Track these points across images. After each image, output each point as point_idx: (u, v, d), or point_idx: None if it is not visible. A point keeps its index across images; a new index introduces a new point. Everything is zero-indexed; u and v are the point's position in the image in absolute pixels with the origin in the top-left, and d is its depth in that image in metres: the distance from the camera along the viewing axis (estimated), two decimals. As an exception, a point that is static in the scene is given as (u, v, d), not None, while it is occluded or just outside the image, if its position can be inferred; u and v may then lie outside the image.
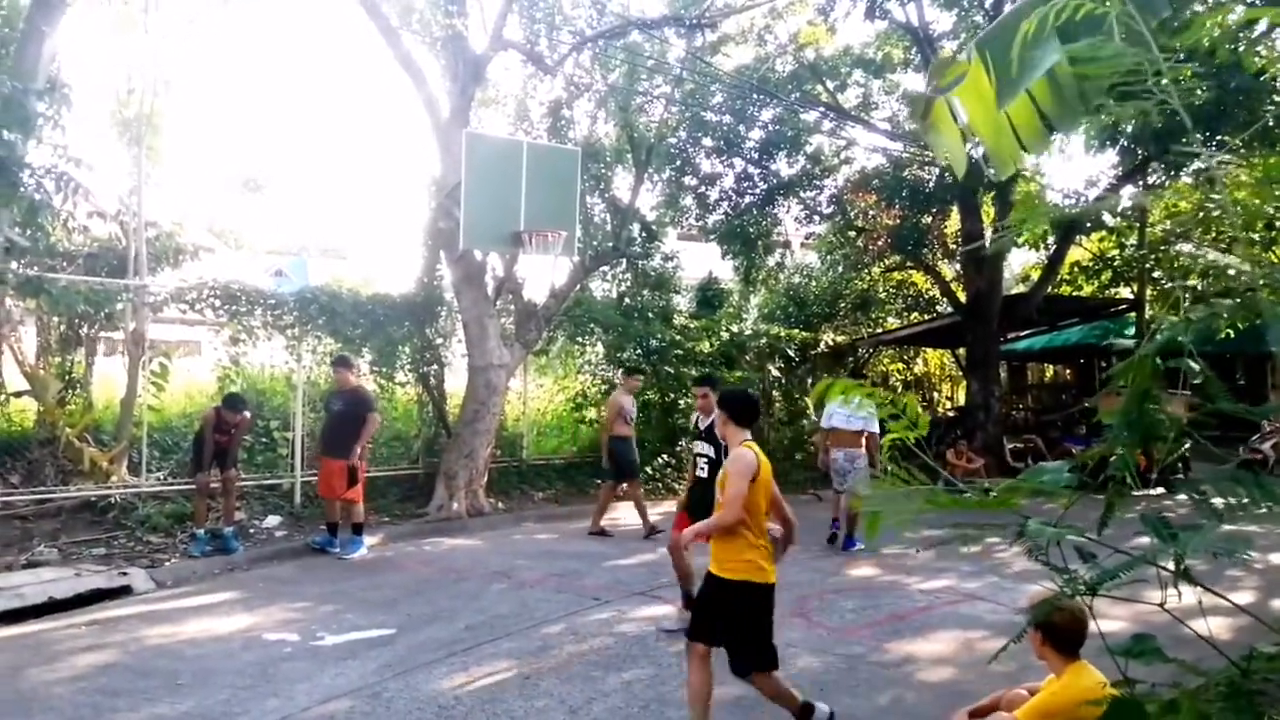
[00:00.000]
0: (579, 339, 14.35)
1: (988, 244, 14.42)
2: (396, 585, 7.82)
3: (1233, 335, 3.81)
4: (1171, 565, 1.51)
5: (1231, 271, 1.74)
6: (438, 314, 12.29)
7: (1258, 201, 1.85)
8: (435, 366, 12.43)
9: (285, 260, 32.48)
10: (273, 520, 9.90)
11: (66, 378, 9.97)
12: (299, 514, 10.27)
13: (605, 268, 14.88)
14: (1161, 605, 1.62)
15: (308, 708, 4.94)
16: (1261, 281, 1.68)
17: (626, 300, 15.35)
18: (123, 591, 7.37)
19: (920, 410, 1.95)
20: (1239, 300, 1.58)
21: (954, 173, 3.04)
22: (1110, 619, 5.48)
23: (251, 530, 9.57)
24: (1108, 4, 1.88)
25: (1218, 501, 1.51)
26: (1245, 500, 1.43)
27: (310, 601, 7.20)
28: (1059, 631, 3.35)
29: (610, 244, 13.88)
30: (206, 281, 10.24)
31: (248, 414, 9.26)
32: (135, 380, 9.82)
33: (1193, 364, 1.58)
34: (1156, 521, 1.52)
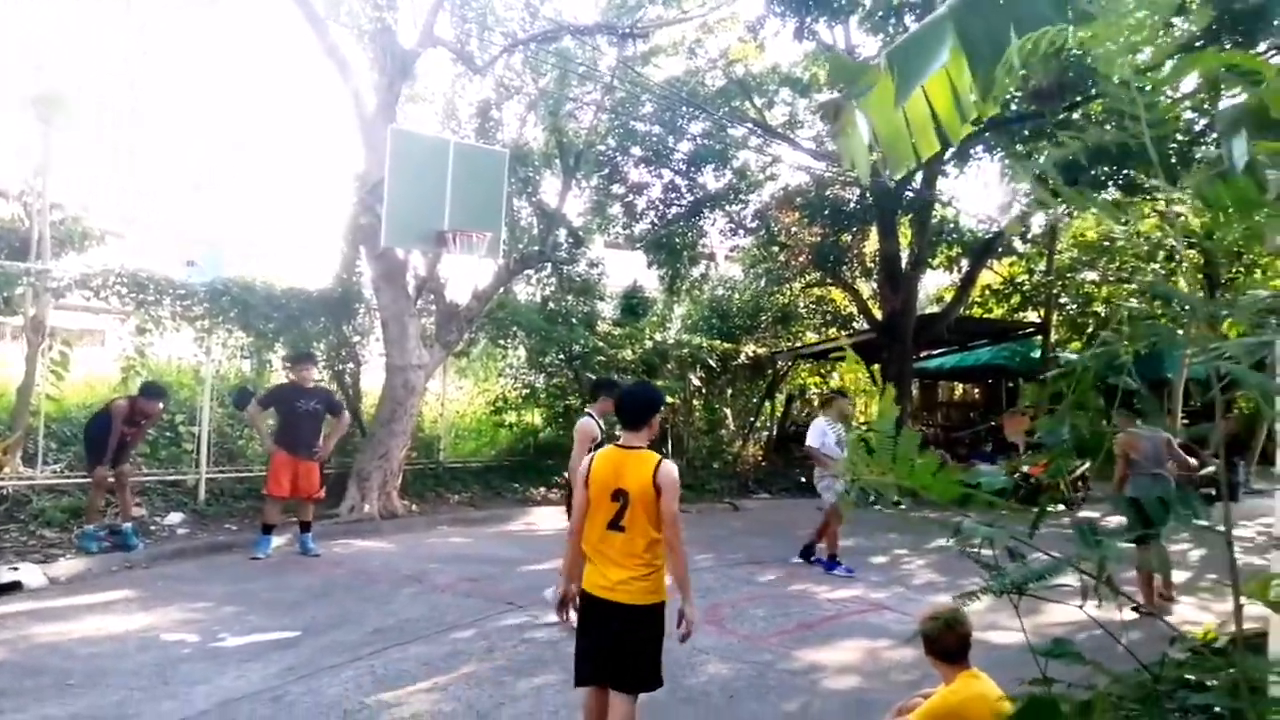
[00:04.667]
0: (501, 342, 14.26)
1: (904, 264, 14.85)
2: (303, 587, 7.64)
3: (1133, 361, 3.98)
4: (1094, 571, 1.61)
5: (1132, 302, 1.85)
6: (356, 311, 12.06)
7: (1159, 235, 1.96)
8: (351, 364, 12.22)
9: (198, 250, 31.45)
10: (175, 517, 9.59)
11: (-42, 363, 9.51)
12: (203, 511, 9.95)
13: (530, 271, 14.81)
14: (1080, 607, 1.73)
15: (205, 710, 4.80)
16: (1159, 311, 1.79)
17: (550, 305, 15.30)
18: (13, 588, 7.05)
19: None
20: (1128, 328, 1.68)
21: (862, 181, 3.18)
22: (1059, 624, 5.71)
23: (153, 527, 9.25)
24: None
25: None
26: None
27: (212, 602, 6.99)
28: (938, 643, 3.56)
29: (536, 248, 13.84)
30: (113, 268, 9.88)
31: (161, 405, 8.97)
32: (34, 368, 9.38)
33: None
34: (1085, 529, 1.62)
